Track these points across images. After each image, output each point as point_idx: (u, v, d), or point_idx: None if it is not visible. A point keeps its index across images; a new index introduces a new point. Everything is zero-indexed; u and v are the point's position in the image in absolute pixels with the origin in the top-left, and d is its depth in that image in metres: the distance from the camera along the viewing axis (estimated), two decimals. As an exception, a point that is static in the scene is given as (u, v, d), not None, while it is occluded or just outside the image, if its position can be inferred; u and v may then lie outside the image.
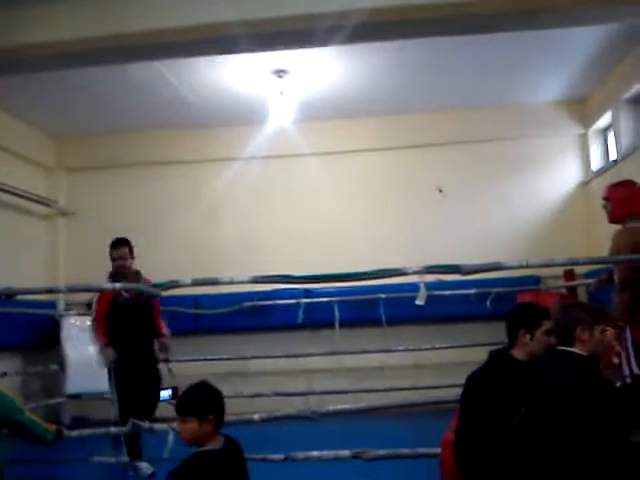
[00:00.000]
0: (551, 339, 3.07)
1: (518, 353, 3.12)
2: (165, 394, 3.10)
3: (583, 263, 4.49)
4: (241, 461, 2.68)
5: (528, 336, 3.09)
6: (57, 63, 5.65)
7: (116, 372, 5.44)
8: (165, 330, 5.57)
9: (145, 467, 5.31)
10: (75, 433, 4.31)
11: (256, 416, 4.18)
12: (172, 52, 5.58)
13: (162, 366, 5.62)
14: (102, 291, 5.37)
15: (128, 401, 5.35)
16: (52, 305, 8.37)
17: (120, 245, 5.51)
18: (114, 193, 8.96)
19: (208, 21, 4.84)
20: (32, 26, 5.19)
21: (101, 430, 4.57)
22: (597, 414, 2.50)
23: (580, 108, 8.35)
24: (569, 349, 2.73)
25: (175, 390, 3.08)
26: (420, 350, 7.74)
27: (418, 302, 4.02)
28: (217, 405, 2.64)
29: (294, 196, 8.72)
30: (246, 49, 5.23)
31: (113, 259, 5.50)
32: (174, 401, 2.95)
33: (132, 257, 5.55)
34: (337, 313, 7.81)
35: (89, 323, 7.76)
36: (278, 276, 4.49)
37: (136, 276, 5.45)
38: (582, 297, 7.53)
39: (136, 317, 5.45)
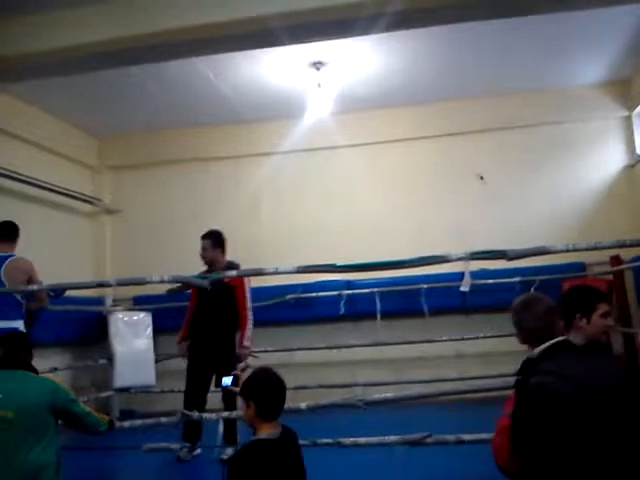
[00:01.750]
0: (608, 321, 3.02)
1: (574, 338, 3.06)
2: (227, 381, 3.17)
3: (631, 245, 4.38)
4: (296, 452, 2.67)
5: (585, 320, 3.03)
6: (96, 64, 5.76)
7: (188, 361, 5.78)
8: (247, 341, 5.59)
9: (184, 453, 5.43)
10: (126, 424, 4.47)
11: (303, 405, 4.22)
12: (210, 48, 5.65)
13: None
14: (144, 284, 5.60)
15: (192, 390, 5.60)
16: (100, 301, 8.57)
17: (203, 238, 5.80)
18: (157, 190, 9.12)
19: (247, 15, 4.87)
20: (70, 28, 5.30)
21: (151, 420, 4.71)
22: None
23: (623, 90, 8.12)
24: None
25: (236, 377, 3.14)
26: (463, 340, 7.66)
27: (463, 288, 4.00)
28: (258, 393, 2.62)
29: (334, 188, 8.72)
30: (285, 42, 5.25)
31: None
32: (235, 388, 3.01)
33: (217, 249, 5.74)
34: (379, 304, 7.81)
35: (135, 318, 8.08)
36: (321, 266, 4.55)
37: (223, 268, 5.61)
38: (629, 283, 7.36)
39: (212, 308, 5.66)
